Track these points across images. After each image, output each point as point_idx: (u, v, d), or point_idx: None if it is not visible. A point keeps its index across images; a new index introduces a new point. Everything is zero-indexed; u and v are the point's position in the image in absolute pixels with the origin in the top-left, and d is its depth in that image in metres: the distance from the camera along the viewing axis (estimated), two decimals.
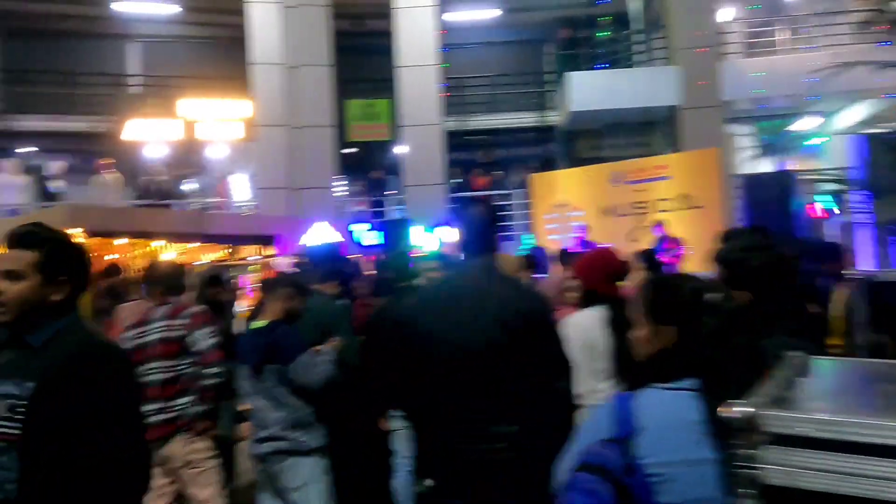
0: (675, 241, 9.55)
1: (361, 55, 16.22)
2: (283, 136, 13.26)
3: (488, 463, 2.31)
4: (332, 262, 4.26)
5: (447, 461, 2.39)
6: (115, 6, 15.74)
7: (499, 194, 13.82)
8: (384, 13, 13.93)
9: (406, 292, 3.97)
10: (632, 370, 1.75)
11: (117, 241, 7.92)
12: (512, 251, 8.92)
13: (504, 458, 2.31)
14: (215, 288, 4.50)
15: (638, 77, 14.47)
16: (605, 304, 3.14)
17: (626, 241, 10.56)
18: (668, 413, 1.48)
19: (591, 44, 15.81)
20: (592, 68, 14.91)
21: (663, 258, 8.99)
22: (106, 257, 7.79)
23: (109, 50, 17.02)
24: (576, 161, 14.93)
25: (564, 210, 11.71)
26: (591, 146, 15.82)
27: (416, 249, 10.11)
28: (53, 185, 12.83)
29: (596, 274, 3.32)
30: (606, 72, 14.72)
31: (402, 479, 4.20)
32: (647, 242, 9.75)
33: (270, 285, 3.64)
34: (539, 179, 12.48)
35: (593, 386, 2.95)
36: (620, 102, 13.84)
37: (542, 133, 16.57)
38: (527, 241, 10.85)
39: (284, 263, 8.53)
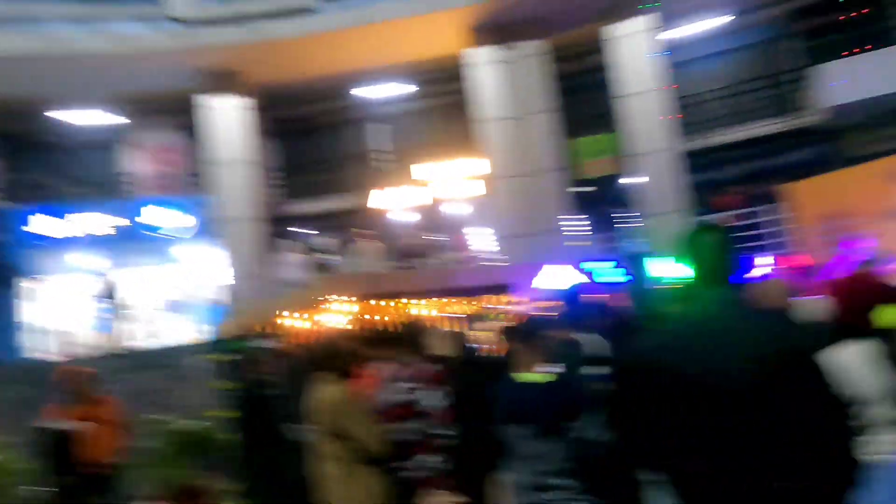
0: None
1: (583, 93, 16.13)
2: (515, 185, 13.58)
3: None
4: (574, 306, 4.11)
5: None
6: (354, 92, 17.53)
7: (749, 211, 12.56)
8: (601, 47, 13.77)
9: (649, 331, 3.68)
10: None
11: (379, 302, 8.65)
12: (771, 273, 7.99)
13: None
14: (455, 343, 4.60)
15: None
16: (872, 337, 2.56)
17: None
18: None
19: (841, 28, 13.91)
20: (847, 55, 13.07)
21: None
22: (369, 317, 8.57)
23: (355, 132, 19.09)
24: (842, 162, 13.04)
25: (836, 220, 10.15)
26: (860, 142, 13.75)
27: (657, 283, 9.53)
28: (326, 259, 14.60)
29: (857, 300, 2.75)
30: (867, 55, 12.80)
31: None
32: None
33: (526, 333, 3.28)
34: (799, 189, 11.06)
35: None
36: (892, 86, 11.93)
37: (794, 138, 14.81)
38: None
39: (526, 310, 8.58)
